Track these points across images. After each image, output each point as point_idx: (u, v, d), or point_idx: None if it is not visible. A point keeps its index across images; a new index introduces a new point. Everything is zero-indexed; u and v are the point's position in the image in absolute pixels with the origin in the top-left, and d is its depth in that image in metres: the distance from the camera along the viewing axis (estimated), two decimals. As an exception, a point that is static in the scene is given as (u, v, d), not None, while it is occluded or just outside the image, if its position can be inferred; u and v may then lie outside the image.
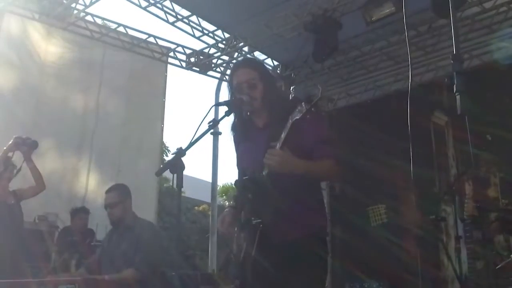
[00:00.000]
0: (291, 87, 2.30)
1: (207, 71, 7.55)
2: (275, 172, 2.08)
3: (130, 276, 3.49)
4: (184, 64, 7.46)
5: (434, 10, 5.06)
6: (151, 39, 7.10)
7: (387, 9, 5.30)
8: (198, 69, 7.46)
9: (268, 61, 7.49)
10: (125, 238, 3.71)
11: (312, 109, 1.98)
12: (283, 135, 2.06)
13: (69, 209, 5.77)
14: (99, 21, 6.85)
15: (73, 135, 6.94)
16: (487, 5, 5.50)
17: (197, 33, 6.93)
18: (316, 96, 1.99)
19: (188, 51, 7.41)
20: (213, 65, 7.49)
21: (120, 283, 3.45)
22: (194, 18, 6.72)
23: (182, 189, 1.93)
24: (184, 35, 6.88)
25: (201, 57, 7.31)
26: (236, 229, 2.24)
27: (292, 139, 2.06)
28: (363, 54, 6.73)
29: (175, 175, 1.88)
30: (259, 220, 2.06)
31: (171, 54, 7.38)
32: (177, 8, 6.51)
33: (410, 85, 2.05)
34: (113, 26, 6.84)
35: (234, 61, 7.21)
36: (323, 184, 2.82)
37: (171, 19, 6.58)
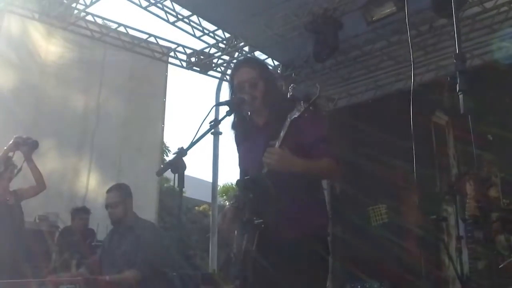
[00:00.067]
0: (290, 86, 2.29)
1: (208, 71, 7.55)
2: (275, 171, 2.08)
3: (131, 276, 3.48)
4: (184, 64, 7.46)
5: (435, 10, 5.06)
6: (152, 39, 7.10)
7: (388, 8, 5.30)
8: (198, 69, 7.47)
9: (269, 61, 7.48)
10: (126, 238, 3.70)
11: (311, 108, 1.98)
12: (282, 134, 2.06)
13: (70, 209, 5.76)
14: (99, 21, 6.86)
15: (73, 135, 6.93)
16: (488, 5, 5.50)
17: (198, 33, 6.94)
18: (314, 95, 1.99)
19: (188, 51, 7.41)
20: (213, 65, 7.49)
21: (121, 284, 3.45)
22: (194, 18, 6.72)
23: (183, 189, 1.92)
24: (184, 35, 6.90)
25: (202, 57, 7.32)
26: (237, 228, 2.24)
27: (291, 138, 2.07)
28: (363, 54, 6.73)
29: (176, 175, 1.87)
30: (261, 220, 2.06)
31: (172, 54, 7.38)
32: (178, 8, 6.52)
33: (412, 84, 2.04)
34: (114, 26, 6.84)
35: (234, 61, 7.22)
36: (324, 184, 2.81)
37: (172, 19, 6.58)
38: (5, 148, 4.24)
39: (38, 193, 4.48)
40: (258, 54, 7.22)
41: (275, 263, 2.13)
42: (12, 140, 4.24)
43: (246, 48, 7.21)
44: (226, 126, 2.43)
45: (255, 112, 2.38)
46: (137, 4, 6.25)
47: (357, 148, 6.55)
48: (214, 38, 7.06)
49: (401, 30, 5.95)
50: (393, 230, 6.34)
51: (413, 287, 5.91)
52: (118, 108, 7.40)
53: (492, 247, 4.03)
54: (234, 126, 2.42)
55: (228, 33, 6.99)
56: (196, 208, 18.27)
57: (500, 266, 3.92)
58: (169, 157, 13.18)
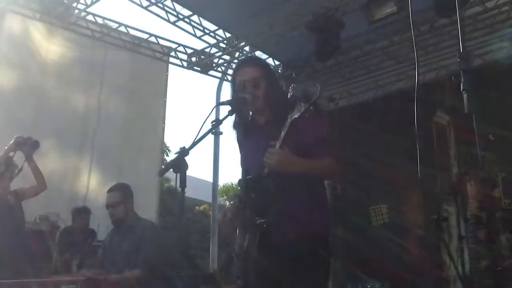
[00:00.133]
0: (290, 87, 2.30)
1: (208, 71, 7.54)
2: (276, 171, 2.08)
3: (135, 276, 3.48)
4: (185, 64, 7.45)
5: (436, 10, 5.05)
6: (152, 39, 7.09)
7: (389, 8, 5.29)
8: (199, 69, 7.46)
9: (269, 60, 7.47)
10: (126, 238, 3.70)
11: (311, 108, 1.98)
12: (282, 134, 2.07)
13: (71, 209, 5.75)
14: (100, 20, 6.84)
15: (74, 135, 6.92)
16: (489, 4, 5.49)
17: (198, 33, 6.93)
18: (315, 95, 1.99)
19: (189, 51, 7.40)
20: (214, 64, 7.48)
21: (123, 284, 3.44)
22: (195, 18, 6.72)
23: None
24: (185, 34, 6.88)
25: (202, 56, 7.31)
26: (238, 227, 2.24)
27: (291, 138, 2.07)
28: (364, 54, 6.73)
29: (178, 174, 1.86)
30: (262, 220, 2.06)
31: (172, 53, 7.37)
32: (178, 7, 6.51)
33: (416, 84, 2.04)
34: (114, 25, 6.83)
35: (235, 60, 7.21)
36: (325, 184, 2.81)
37: (172, 18, 6.58)
38: (6, 148, 4.24)
39: (38, 193, 4.48)
40: (259, 53, 7.21)
41: (276, 263, 2.13)
42: (13, 140, 4.24)
43: (247, 48, 7.21)
44: (227, 125, 2.43)
45: (256, 112, 2.38)
46: (137, 4, 6.24)
47: (357, 147, 6.54)
48: (214, 37, 7.05)
49: (402, 30, 5.95)
50: (394, 230, 6.34)
51: (413, 287, 5.90)
52: (119, 108, 7.40)
53: (494, 247, 4.03)
54: (236, 125, 2.42)
55: (229, 32, 6.98)
56: (197, 208, 18.26)
57: (501, 266, 3.92)
58: (170, 157, 13.18)
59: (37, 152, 4.40)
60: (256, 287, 2.12)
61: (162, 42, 7.20)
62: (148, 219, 4.14)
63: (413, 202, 6.22)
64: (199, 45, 7.30)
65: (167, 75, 7.98)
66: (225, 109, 2.26)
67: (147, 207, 6.58)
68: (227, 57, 7.34)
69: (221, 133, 8.00)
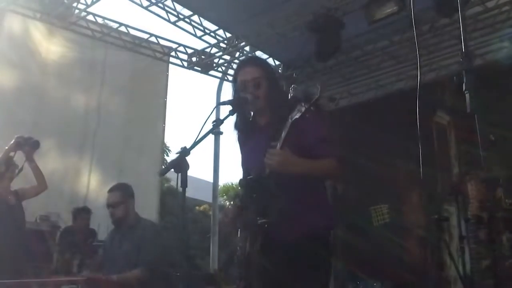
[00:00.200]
0: (291, 87, 2.29)
1: (209, 71, 7.54)
2: (277, 172, 2.08)
3: (135, 276, 3.47)
4: (185, 64, 7.45)
5: (437, 10, 5.05)
6: (153, 39, 7.09)
7: (389, 8, 5.29)
8: (199, 69, 7.46)
9: (270, 60, 7.46)
10: (127, 238, 3.70)
11: (312, 108, 1.98)
12: (283, 135, 2.06)
13: (71, 209, 5.76)
14: (100, 20, 6.84)
15: (74, 135, 6.93)
16: (490, 4, 5.48)
17: (199, 33, 6.92)
18: (315, 95, 1.99)
19: (189, 51, 7.40)
20: (214, 64, 7.48)
21: (123, 284, 3.44)
22: (195, 18, 6.71)
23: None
24: (185, 34, 6.88)
25: (203, 56, 7.31)
26: (239, 227, 2.24)
27: (292, 139, 2.07)
28: (365, 54, 6.72)
29: (179, 174, 1.86)
30: (264, 220, 2.05)
31: (173, 53, 7.36)
32: (179, 7, 6.50)
33: (418, 83, 2.03)
34: (115, 25, 6.83)
35: (235, 60, 7.21)
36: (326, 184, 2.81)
37: (173, 18, 6.57)
38: (7, 148, 4.24)
39: (39, 193, 4.48)
40: (259, 53, 7.20)
41: (277, 263, 2.12)
42: (13, 140, 4.24)
43: (247, 48, 7.20)
44: (228, 126, 2.43)
45: (257, 112, 2.37)
46: (138, 4, 6.24)
47: (358, 147, 6.54)
48: (215, 37, 7.05)
49: (403, 30, 5.95)
50: (395, 230, 6.34)
51: (414, 287, 5.90)
52: (119, 108, 7.40)
53: (495, 247, 4.03)
54: (237, 126, 2.42)
55: (229, 32, 6.98)
56: (197, 208, 18.25)
57: (501, 267, 3.91)
58: (170, 157, 13.18)
59: (37, 152, 4.40)
60: (257, 287, 2.12)
61: (162, 42, 7.19)
62: (148, 219, 4.14)
63: (414, 202, 6.22)
64: (199, 45, 7.31)
65: (168, 75, 7.99)
66: (225, 109, 2.26)
67: (147, 207, 6.58)
68: (227, 57, 7.34)
69: (222, 133, 8.00)
